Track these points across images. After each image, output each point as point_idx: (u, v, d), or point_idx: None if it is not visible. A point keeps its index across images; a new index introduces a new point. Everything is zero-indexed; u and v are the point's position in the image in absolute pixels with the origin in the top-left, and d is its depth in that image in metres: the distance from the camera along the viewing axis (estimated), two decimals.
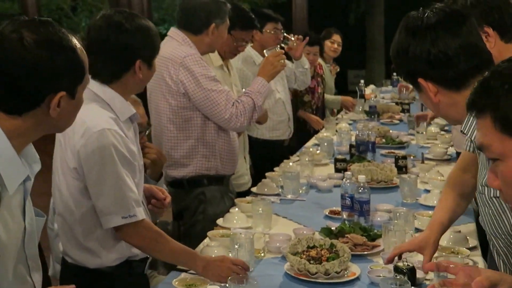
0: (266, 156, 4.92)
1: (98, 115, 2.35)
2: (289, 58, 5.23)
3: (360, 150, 4.61)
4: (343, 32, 7.47)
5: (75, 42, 1.77)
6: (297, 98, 6.19)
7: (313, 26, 16.40)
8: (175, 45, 3.53)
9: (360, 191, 3.20)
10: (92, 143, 2.30)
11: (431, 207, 3.44)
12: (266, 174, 4.07)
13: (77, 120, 1.88)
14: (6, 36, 1.69)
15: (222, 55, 4.04)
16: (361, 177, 3.25)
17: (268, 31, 4.97)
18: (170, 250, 2.37)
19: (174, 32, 3.61)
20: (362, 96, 7.52)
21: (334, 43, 7.04)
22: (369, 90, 8.53)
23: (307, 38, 5.32)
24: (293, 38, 5.05)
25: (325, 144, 4.81)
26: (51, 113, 1.74)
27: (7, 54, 1.68)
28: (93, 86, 2.38)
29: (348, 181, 3.27)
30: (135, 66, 2.40)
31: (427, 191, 3.76)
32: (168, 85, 3.49)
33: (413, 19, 2.02)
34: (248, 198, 3.49)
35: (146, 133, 3.05)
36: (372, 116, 6.47)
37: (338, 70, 7.74)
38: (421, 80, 2.01)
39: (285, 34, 5.00)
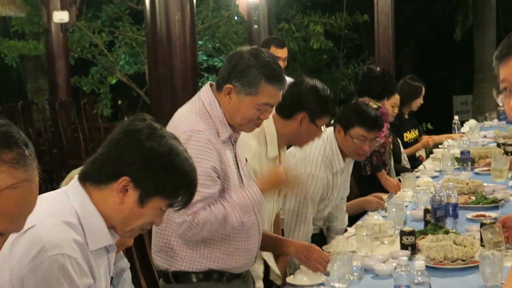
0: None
1: (60, 233, 2.32)
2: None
3: (437, 216, 4.43)
4: (448, 50, 7.50)
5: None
6: (385, 147, 6.07)
7: (414, 44, 16.24)
8: (189, 110, 3.48)
9: (416, 281, 3.04)
10: (44, 270, 2.24)
11: None
12: None
13: (32, 234, 2.20)
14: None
15: (296, 143, 4.08)
16: (419, 264, 3.10)
17: (352, 137, 4.67)
18: None
19: (205, 89, 3.53)
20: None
21: (394, 107, 6.72)
22: (467, 127, 8.30)
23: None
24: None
25: (393, 210, 4.65)
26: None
27: None
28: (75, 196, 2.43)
29: (402, 269, 3.12)
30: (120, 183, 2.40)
31: None
32: None
33: None
34: None
35: None
36: (465, 165, 6.26)
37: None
38: None
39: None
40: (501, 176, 5.41)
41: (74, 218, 2.38)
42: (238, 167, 3.49)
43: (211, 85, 3.51)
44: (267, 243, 3.77)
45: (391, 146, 6.33)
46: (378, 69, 6.25)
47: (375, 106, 5.94)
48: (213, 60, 15.55)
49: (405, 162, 6.86)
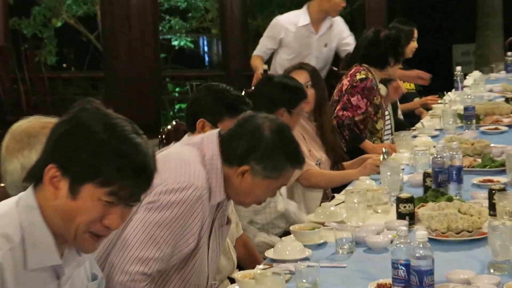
0: None
1: None
2: None
3: (439, 181, 4.44)
4: None
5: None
6: (365, 124, 6.10)
7: None
8: (192, 156, 3.41)
9: (417, 255, 3.04)
10: None
11: None
12: (291, 228, 3.99)
13: None
14: None
15: None
16: (421, 234, 3.09)
17: (298, 113, 4.99)
18: None
19: (212, 138, 3.46)
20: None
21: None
22: (470, 79, 8.31)
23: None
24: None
25: (388, 173, 4.66)
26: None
27: None
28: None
29: (400, 241, 3.12)
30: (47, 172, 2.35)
31: None
32: None
33: None
34: (257, 270, 3.38)
35: None
36: (469, 123, 6.27)
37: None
38: None
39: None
40: None
41: (11, 229, 2.30)
42: (210, 234, 3.45)
43: (219, 135, 3.45)
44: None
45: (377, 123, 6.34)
46: (387, 32, 6.21)
47: (363, 76, 5.95)
48: (175, 0, 15.43)
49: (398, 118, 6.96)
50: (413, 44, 7.54)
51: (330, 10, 7.06)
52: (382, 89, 5.96)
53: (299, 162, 3.44)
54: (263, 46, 7.37)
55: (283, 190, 4.83)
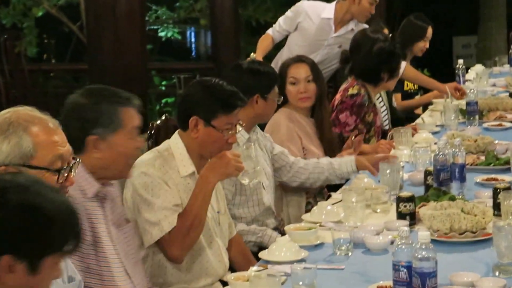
0: None
1: None
2: None
3: (441, 180, 4.46)
4: None
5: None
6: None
7: None
8: None
9: (419, 256, 3.04)
10: None
11: None
12: (286, 228, 4.00)
13: None
14: None
15: (207, 155, 4.07)
16: (423, 235, 3.09)
17: (273, 98, 4.99)
18: None
19: None
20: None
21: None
22: (472, 73, 8.32)
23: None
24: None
25: (387, 171, 4.66)
26: None
27: None
28: None
29: (402, 242, 3.12)
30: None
31: None
32: None
33: None
34: (251, 272, 3.39)
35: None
36: (471, 118, 6.29)
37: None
38: None
39: None
40: None
41: None
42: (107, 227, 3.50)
43: None
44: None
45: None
46: (381, 45, 6.12)
47: (354, 91, 5.93)
48: None
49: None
50: (423, 44, 7.55)
51: (358, 14, 6.99)
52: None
53: (124, 97, 3.51)
54: (279, 26, 7.27)
55: (265, 180, 4.84)
